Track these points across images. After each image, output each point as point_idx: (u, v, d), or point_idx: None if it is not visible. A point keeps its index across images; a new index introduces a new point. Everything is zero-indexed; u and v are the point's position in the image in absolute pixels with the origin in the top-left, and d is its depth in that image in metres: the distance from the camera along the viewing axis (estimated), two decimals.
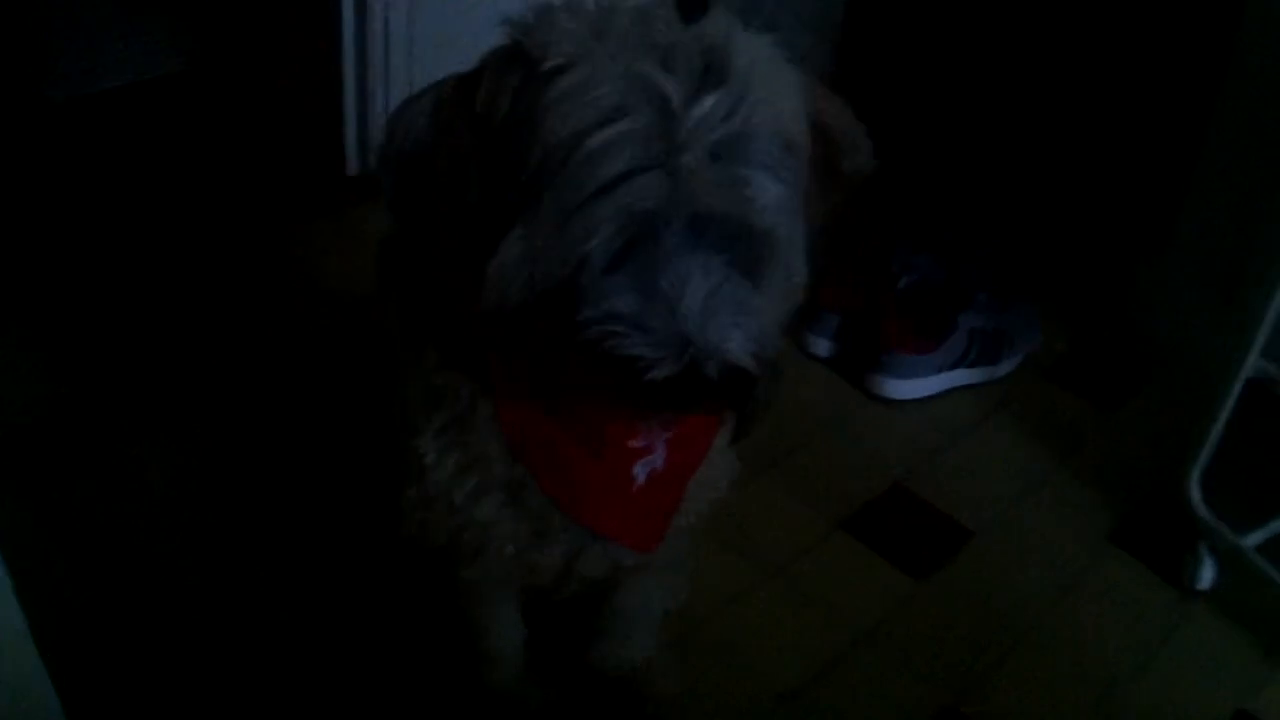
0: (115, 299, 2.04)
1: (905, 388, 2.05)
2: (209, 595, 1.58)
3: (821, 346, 2.13)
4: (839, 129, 0.97)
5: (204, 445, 1.79)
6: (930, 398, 2.07)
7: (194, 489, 1.72)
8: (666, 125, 0.83)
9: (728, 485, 1.25)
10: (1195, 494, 1.75)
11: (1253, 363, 1.64)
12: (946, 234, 2.23)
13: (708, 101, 0.84)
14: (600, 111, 0.83)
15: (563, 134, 0.84)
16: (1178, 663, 1.67)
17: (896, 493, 1.88)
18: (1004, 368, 2.14)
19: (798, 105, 0.92)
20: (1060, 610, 1.73)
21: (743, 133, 0.85)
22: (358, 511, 1.64)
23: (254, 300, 2.09)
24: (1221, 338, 1.71)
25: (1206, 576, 1.76)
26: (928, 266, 2.11)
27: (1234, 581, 1.75)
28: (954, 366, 2.08)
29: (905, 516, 1.84)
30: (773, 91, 0.88)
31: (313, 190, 2.33)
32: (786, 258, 0.91)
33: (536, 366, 0.98)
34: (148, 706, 1.44)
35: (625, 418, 1.00)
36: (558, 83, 0.85)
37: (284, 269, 2.16)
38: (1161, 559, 1.81)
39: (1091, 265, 2.34)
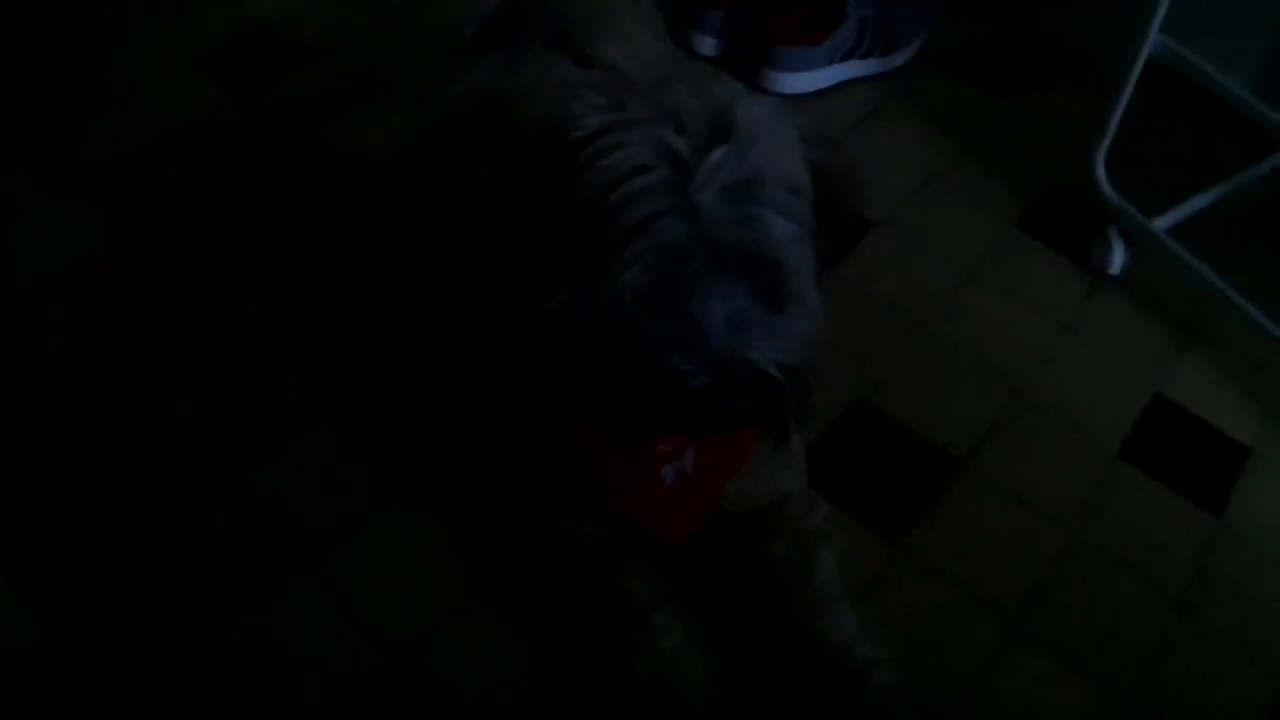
0: None
1: (796, 81, 1.94)
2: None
3: (708, 45, 2.00)
4: (837, 175, 1.09)
5: None
6: (823, 91, 1.96)
7: None
8: (681, 176, 0.98)
9: (795, 479, 1.32)
10: (1101, 174, 1.69)
11: (1153, 38, 1.56)
12: None
13: (715, 153, 0.98)
14: (624, 170, 0.99)
15: (593, 191, 0.99)
16: (1091, 350, 1.64)
17: None
18: (899, 58, 2.02)
19: (798, 155, 1.05)
20: (967, 299, 1.68)
21: (750, 179, 0.99)
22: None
23: None
24: (1119, 24, 1.63)
25: (1117, 261, 1.71)
26: None
27: (1144, 266, 1.71)
28: (846, 57, 1.96)
29: None
30: (775, 143, 1.02)
31: None
32: (799, 286, 1.03)
33: (586, 387, 1.08)
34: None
35: (662, 432, 1.12)
36: (586, 149, 1.01)
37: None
38: (1071, 245, 1.75)
39: None
